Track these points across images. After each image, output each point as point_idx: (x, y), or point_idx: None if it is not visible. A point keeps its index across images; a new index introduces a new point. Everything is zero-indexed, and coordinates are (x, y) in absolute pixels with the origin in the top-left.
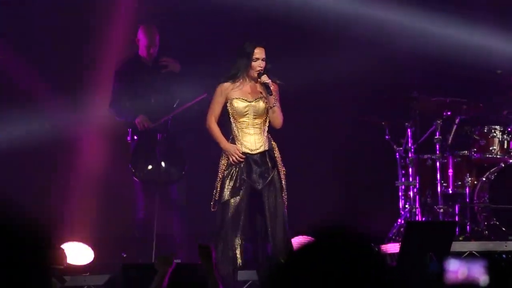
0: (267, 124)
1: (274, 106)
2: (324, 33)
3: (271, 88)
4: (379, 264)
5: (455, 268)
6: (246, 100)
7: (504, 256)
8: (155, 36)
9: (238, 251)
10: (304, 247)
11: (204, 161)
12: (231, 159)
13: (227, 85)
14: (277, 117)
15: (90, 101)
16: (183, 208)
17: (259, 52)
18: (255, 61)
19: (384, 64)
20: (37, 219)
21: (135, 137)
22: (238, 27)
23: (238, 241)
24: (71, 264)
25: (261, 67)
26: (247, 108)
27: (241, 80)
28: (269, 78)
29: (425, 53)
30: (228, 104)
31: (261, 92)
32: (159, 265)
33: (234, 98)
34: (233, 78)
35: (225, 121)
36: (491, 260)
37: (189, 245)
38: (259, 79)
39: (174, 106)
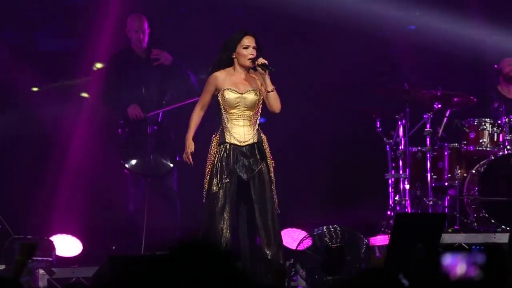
0: (257, 116)
1: (272, 91)
2: (317, 25)
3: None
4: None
5: (452, 263)
6: (237, 92)
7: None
8: (143, 22)
9: (226, 243)
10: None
11: (196, 154)
12: (184, 154)
13: (218, 74)
14: (276, 101)
15: (81, 93)
16: (175, 200)
17: (249, 41)
18: (246, 48)
19: (376, 57)
20: None
21: (126, 130)
22: (232, 21)
23: (226, 233)
24: (60, 256)
25: (252, 55)
26: (238, 100)
27: (232, 71)
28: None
29: (416, 45)
30: (219, 95)
31: (250, 84)
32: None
33: (225, 89)
34: (219, 65)
35: (215, 112)
36: (488, 254)
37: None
38: (256, 62)
39: (166, 98)
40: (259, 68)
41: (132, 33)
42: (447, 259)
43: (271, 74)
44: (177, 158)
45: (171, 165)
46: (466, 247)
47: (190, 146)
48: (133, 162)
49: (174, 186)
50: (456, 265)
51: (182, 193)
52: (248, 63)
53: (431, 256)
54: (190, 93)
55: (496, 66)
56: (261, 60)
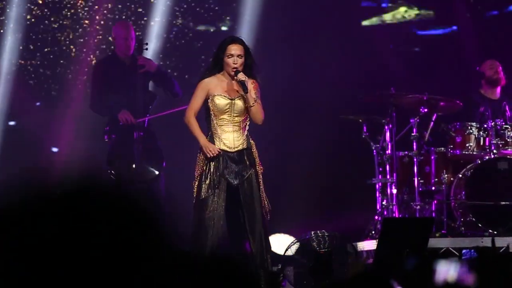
0: (247, 122)
1: (253, 106)
2: (305, 31)
3: (248, 86)
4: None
5: (445, 270)
6: (227, 97)
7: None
8: (131, 30)
9: (215, 249)
10: None
11: (182, 159)
12: (207, 154)
13: (208, 80)
14: (258, 114)
15: (66, 100)
16: (162, 206)
17: (234, 49)
18: (229, 57)
19: (362, 61)
20: None
21: (113, 136)
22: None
23: (214, 239)
24: None
25: (236, 63)
26: (228, 106)
27: (223, 77)
28: (248, 75)
29: (403, 49)
30: (209, 100)
31: (237, 91)
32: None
33: (215, 95)
34: (208, 74)
35: (204, 117)
36: (481, 260)
37: None
38: (235, 77)
39: (153, 104)
40: (238, 82)
41: (121, 40)
42: (440, 267)
43: (259, 84)
44: (164, 165)
45: (157, 172)
46: (454, 251)
47: (209, 145)
48: (120, 168)
49: (162, 193)
50: (447, 272)
51: (170, 199)
52: (231, 72)
53: (422, 264)
54: (175, 101)
55: (478, 68)
56: (240, 77)
